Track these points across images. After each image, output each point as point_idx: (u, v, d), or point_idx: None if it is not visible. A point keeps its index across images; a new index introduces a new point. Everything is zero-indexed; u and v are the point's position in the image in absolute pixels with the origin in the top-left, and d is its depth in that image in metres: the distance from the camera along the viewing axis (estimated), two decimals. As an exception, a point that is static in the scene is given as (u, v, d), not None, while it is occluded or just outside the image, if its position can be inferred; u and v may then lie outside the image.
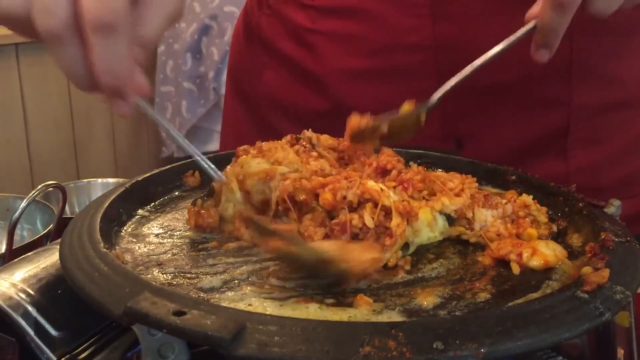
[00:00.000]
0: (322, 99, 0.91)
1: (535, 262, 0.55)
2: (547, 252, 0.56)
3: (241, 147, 0.65)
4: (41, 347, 0.51)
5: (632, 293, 0.48)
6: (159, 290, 0.45)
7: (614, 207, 0.67)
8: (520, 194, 0.66)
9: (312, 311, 0.47)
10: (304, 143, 0.66)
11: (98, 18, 0.44)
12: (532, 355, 0.45)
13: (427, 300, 0.50)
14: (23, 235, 0.87)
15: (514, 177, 0.73)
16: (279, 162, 0.60)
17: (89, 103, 2.55)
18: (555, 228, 0.63)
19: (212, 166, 0.60)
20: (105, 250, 0.51)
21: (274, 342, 0.39)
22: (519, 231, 0.61)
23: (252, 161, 0.61)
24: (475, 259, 0.58)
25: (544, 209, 0.64)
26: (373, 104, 0.88)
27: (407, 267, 0.55)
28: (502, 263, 0.56)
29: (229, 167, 0.63)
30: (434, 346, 0.39)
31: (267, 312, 0.46)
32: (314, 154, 0.65)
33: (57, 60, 0.47)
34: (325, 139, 0.70)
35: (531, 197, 0.65)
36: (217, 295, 0.49)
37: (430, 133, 0.84)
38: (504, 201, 0.63)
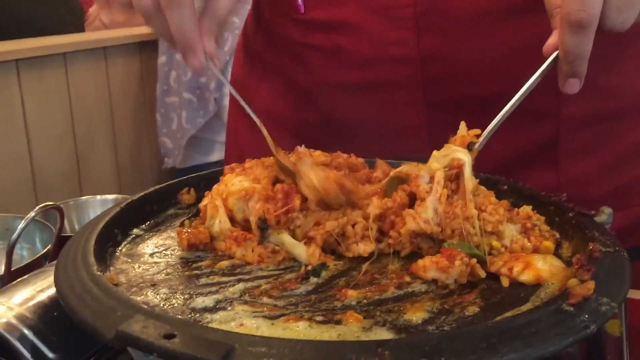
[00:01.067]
0: (313, 112, 0.93)
1: (526, 277, 0.55)
2: (542, 268, 0.56)
3: (228, 166, 0.66)
4: (38, 370, 0.52)
5: (618, 304, 0.48)
6: (149, 313, 0.45)
7: (605, 214, 0.68)
8: (512, 205, 0.67)
9: (302, 329, 0.48)
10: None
11: None
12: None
13: (416, 315, 0.50)
14: (23, 254, 0.88)
15: (505, 187, 0.74)
16: (258, 180, 0.60)
17: (91, 117, 2.57)
18: (558, 235, 0.63)
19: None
20: (98, 273, 0.52)
21: (262, 363, 0.40)
22: (535, 244, 0.60)
23: (235, 179, 0.62)
24: (466, 271, 0.58)
25: (542, 217, 0.65)
26: (362, 115, 0.89)
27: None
28: (493, 275, 0.57)
29: (215, 186, 0.64)
30: (420, 364, 0.40)
31: (258, 332, 0.47)
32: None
33: (151, 27, 0.68)
34: (318, 155, 0.70)
35: (530, 207, 0.65)
36: (209, 315, 0.50)
37: (417, 144, 0.85)
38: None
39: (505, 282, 0.55)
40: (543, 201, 0.69)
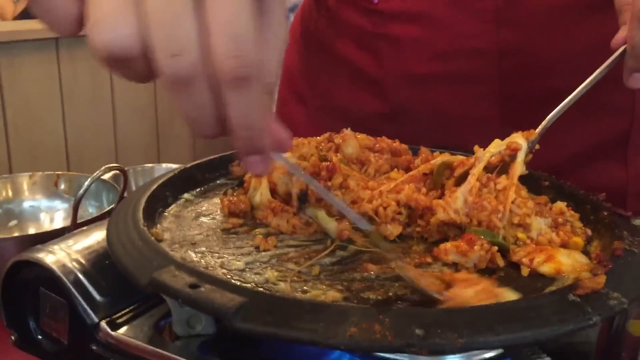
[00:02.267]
0: (381, 103, 0.93)
1: (546, 269, 0.56)
2: (564, 262, 0.57)
3: None
4: (86, 310, 0.58)
5: (629, 300, 0.49)
6: (181, 266, 0.50)
7: (646, 218, 0.68)
8: (551, 200, 0.68)
9: (318, 295, 0.51)
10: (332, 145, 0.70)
11: (235, 68, 0.37)
12: (518, 351, 0.47)
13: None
14: (91, 211, 0.96)
15: (547, 183, 0.74)
16: (304, 157, 0.64)
17: (172, 92, 2.68)
18: (590, 232, 0.64)
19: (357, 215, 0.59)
20: (143, 227, 0.58)
21: (271, 318, 0.44)
22: (564, 239, 0.61)
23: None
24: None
25: (577, 214, 0.65)
26: (434, 107, 0.89)
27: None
28: (516, 266, 0.58)
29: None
30: (416, 333, 0.43)
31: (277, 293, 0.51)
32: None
33: (180, 106, 0.39)
34: (362, 138, 0.73)
35: (565, 204, 0.66)
36: (239, 276, 0.55)
37: (489, 137, 0.86)
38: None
39: (525, 271, 0.57)
40: (580, 199, 0.69)
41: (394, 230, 0.61)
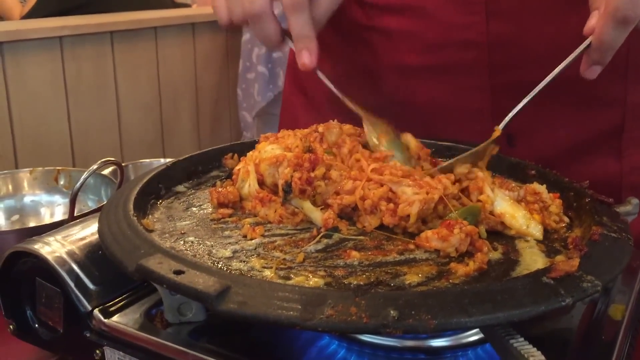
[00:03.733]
0: (376, 95, 0.94)
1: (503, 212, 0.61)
2: (514, 214, 0.61)
3: (263, 135, 0.72)
4: (79, 298, 0.60)
5: (603, 284, 0.50)
6: (167, 253, 0.52)
7: (630, 205, 0.69)
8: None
9: (301, 280, 0.53)
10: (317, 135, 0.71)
11: (292, 1, 0.68)
12: (493, 333, 0.48)
13: (411, 278, 0.54)
14: (91, 205, 0.98)
15: (533, 172, 0.76)
16: (289, 149, 0.65)
17: (177, 90, 2.71)
18: (567, 220, 0.65)
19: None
20: (133, 217, 0.59)
21: (251, 302, 0.46)
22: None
23: (268, 147, 0.67)
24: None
25: (560, 201, 0.67)
26: (426, 99, 0.91)
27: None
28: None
29: (249, 152, 0.70)
30: (391, 314, 0.44)
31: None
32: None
33: (257, 34, 0.72)
34: (348, 128, 0.74)
35: (544, 186, 0.67)
36: (225, 264, 0.56)
37: (480, 128, 0.87)
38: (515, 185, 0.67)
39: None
40: (565, 186, 0.70)
41: (372, 221, 0.63)
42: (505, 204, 0.62)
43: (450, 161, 0.68)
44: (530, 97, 0.68)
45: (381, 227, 0.63)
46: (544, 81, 0.67)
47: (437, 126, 0.89)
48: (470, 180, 0.65)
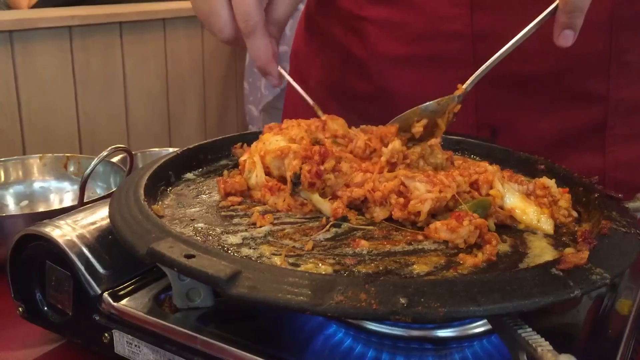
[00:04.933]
0: (367, 83, 0.97)
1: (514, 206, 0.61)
2: (525, 209, 0.61)
3: (267, 125, 0.72)
4: (89, 281, 0.61)
5: (611, 276, 0.50)
6: (178, 237, 0.52)
7: (639, 201, 0.69)
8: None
9: (310, 267, 0.53)
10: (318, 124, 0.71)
11: (244, 25, 0.74)
12: (501, 323, 0.48)
13: (420, 268, 0.54)
14: (99, 192, 0.98)
15: (542, 167, 0.76)
16: (293, 140, 0.66)
17: (184, 82, 2.71)
18: (575, 214, 0.65)
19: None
20: (144, 202, 0.60)
21: (261, 286, 0.46)
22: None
23: (273, 138, 0.67)
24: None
25: (569, 196, 0.67)
26: (413, 89, 0.92)
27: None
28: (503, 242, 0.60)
29: (254, 143, 0.70)
30: (400, 301, 0.45)
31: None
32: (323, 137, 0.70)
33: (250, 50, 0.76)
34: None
35: (554, 180, 0.67)
36: (235, 250, 0.56)
37: (465, 121, 0.87)
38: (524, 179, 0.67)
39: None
40: (574, 182, 0.70)
41: (381, 213, 0.63)
42: (516, 199, 0.62)
43: (405, 113, 0.69)
44: (492, 61, 0.68)
45: (389, 219, 0.63)
46: (511, 42, 0.67)
47: None
48: (480, 174, 0.65)
